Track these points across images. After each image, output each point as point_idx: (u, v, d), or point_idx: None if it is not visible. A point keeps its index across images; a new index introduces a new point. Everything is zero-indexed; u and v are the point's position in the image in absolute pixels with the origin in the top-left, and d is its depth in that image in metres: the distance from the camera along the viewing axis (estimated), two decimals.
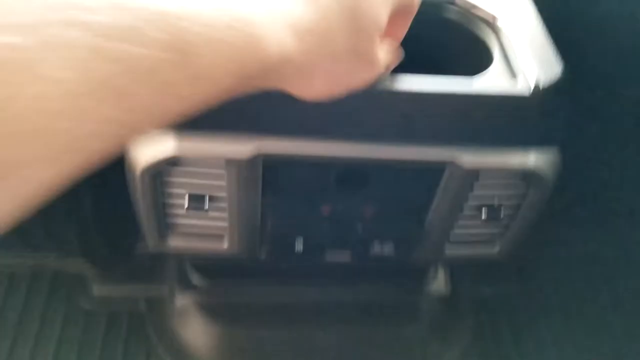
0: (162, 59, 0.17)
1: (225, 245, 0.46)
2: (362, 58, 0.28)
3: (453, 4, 0.45)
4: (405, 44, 0.36)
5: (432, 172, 0.41)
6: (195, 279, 0.67)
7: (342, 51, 0.26)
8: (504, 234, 0.47)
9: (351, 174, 0.41)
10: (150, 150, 0.38)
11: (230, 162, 0.38)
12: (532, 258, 0.78)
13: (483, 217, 0.44)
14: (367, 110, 0.37)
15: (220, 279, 0.67)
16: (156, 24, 0.17)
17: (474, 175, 0.41)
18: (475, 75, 0.39)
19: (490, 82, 0.39)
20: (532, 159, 0.40)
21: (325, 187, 0.42)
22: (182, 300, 0.68)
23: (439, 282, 0.74)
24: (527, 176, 0.41)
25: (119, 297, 0.74)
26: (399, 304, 0.71)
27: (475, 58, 0.43)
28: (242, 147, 0.37)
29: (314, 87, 0.27)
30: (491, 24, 0.43)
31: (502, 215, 0.44)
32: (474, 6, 0.44)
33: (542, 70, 0.39)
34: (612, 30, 0.48)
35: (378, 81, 0.36)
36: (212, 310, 0.67)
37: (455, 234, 0.46)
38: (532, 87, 0.38)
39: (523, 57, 0.40)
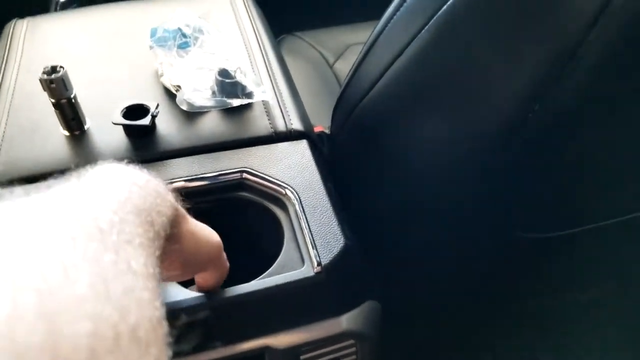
0: None
1: None
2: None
3: (246, 186, 0.48)
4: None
5: (254, 357, 0.42)
6: None
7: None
8: None
9: None
10: None
11: None
12: None
13: None
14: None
15: None
16: None
17: (295, 352, 0.42)
18: (271, 263, 0.42)
19: (281, 268, 0.42)
20: (344, 322, 0.43)
21: None
22: None
23: None
24: (346, 336, 0.44)
25: None
26: None
27: (274, 233, 0.46)
28: None
29: None
30: (282, 201, 0.47)
31: None
32: (266, 182, 0.48)
33: (325, 249, 0.42)
34: None
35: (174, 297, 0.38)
36: None
37: None
38: (315, 268, 0.41)
39: (308, 236, 0.43)
